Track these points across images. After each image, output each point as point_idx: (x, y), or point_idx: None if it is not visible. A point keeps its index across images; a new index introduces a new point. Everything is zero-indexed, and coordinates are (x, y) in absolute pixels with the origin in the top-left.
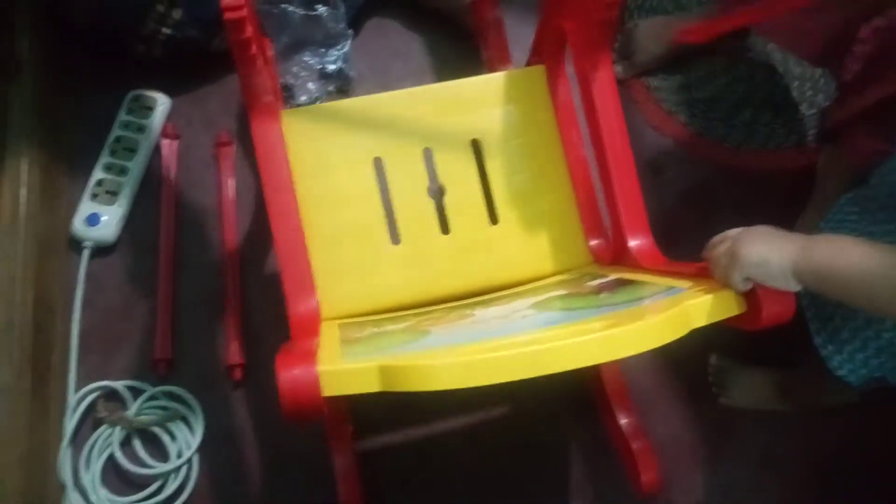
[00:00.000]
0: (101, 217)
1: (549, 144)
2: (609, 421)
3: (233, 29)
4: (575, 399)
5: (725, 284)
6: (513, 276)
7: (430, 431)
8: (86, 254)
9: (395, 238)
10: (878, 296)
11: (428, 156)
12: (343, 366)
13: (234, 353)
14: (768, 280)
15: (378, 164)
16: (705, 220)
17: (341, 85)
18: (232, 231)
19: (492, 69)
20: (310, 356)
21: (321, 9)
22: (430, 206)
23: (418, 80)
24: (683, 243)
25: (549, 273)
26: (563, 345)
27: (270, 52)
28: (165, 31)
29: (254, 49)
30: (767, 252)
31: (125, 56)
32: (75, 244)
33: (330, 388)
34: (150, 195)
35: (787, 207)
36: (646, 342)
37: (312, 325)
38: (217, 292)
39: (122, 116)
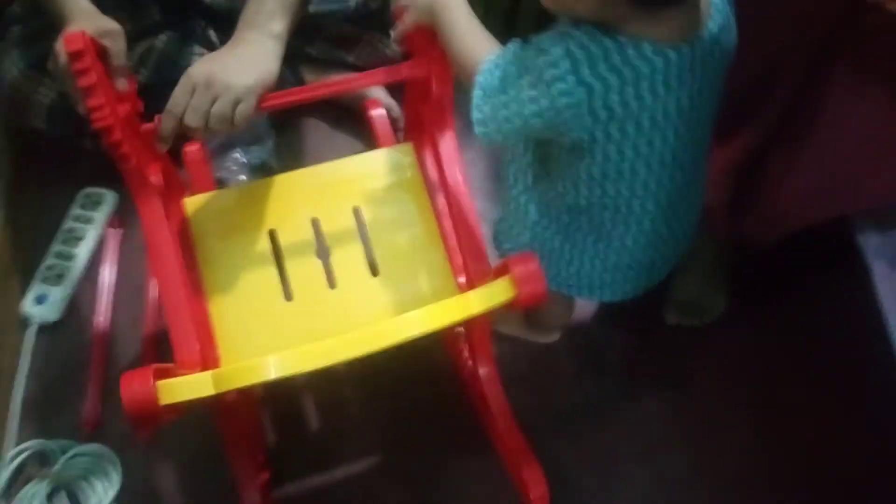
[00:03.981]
0: (48, 297)
1: (419, 206)
2: (500, 446)
3: (103, 135)
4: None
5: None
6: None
7: (350, 473)
8: (33, 329)
9: (288, 295)
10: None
11: (316, 224)
12: (178, 378)
13: None
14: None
15: (272, 234)
16: None
17: (267, 175)
18: (152, 309)
19: None
20: (149, 371)
21: None
22: (318, 265)
23: None
24: None
25: None
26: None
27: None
28: None
29: (125, 148)
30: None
31: (78, 152)
32: (25, 321)
33: (166, 397)
34: (96, 277)
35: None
36: (437, 321)
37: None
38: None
39: (75, 210)
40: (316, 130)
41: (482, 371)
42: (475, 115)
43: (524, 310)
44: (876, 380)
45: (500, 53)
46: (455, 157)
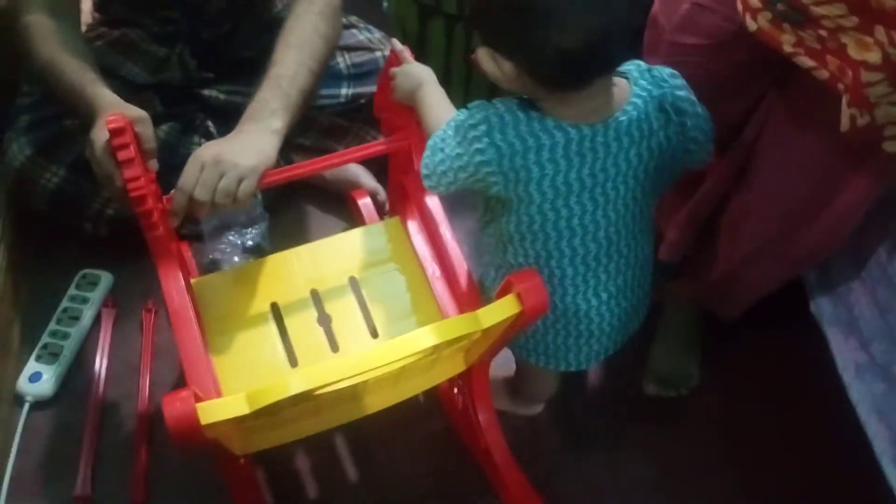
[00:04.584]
0: (42, 375)
1: (410, 272)
2: (496, 476)
3: (137, 203)
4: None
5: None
6: None
7: None
8: (26, 406)
9: (293, 361)
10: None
11: (316, 295)
12: (216, 400)
13: (136, 492)
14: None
15: (274, 306)
16: None
17: (259, 257)
18: (145, 384)
19: None
20: (190, 392)
21: None
22: (320, 332)
23: None
24: None
25: None
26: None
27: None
28: (109, 211)
29: (155, 216)
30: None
31: (77, 236)
32: (19, 398)
33: (206, 417)
34: (89, 355)
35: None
36: (449, 334)
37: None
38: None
39: (71, 291)
40: (306, 215)
41: (482, 417)
42: (423, 170)
43: (512, 382)
44: (844, 434)
45: (447, 121)
46: (441, 216)
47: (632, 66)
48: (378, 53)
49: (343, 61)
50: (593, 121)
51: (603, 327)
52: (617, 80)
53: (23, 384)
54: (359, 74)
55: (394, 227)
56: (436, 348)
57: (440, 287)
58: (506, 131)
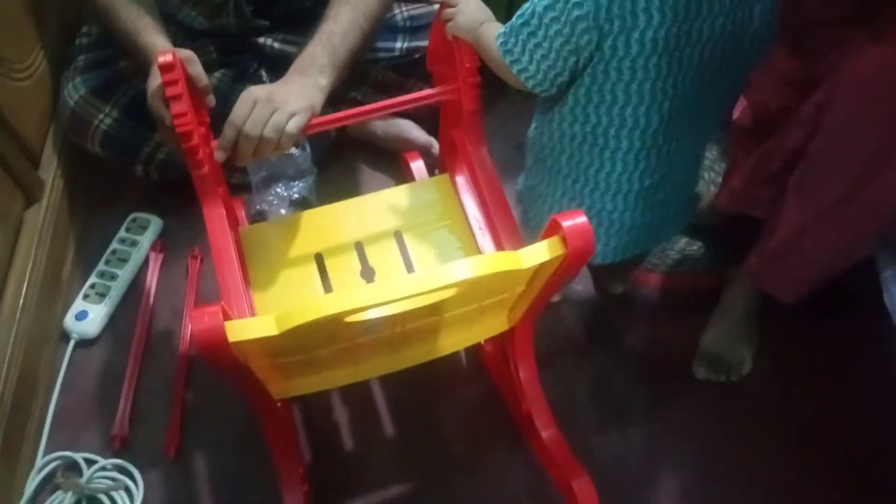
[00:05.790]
0: (88, 314)
1: (457, 228)
2: (536, 440)
3: (184, 138)
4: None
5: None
6: None
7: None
8: (71, 344)
9: None
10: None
11: (360, 248)
12: (245, 319)
13: (172, 433)
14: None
15: (319, 257)
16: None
17: (305, 210)
18: (187, 329)
19: None
20: (218, 308)
21: (294, 150)
22: (362, 284)
23: None
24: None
25: None
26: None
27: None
28: (160, 156)
29: (201, 154)
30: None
31: (130, 179)
32: (65, 335)
33: (234, 335)
34: (135, 297)
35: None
36: (486, 269)
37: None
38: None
39: (121, 233)
40: (355, 171)
41: (524, 376)
42: (507, 56)
43: None
44: None
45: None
46: (491, 170)
47: None
48: (436, 6)
49: (400, 13)
50: None
51: (635, 218)
52: None
53: (69, 322)
54: (415, 28)
55: (442, 184)
56: (473, 288)
57: (486, 243)
58: None
